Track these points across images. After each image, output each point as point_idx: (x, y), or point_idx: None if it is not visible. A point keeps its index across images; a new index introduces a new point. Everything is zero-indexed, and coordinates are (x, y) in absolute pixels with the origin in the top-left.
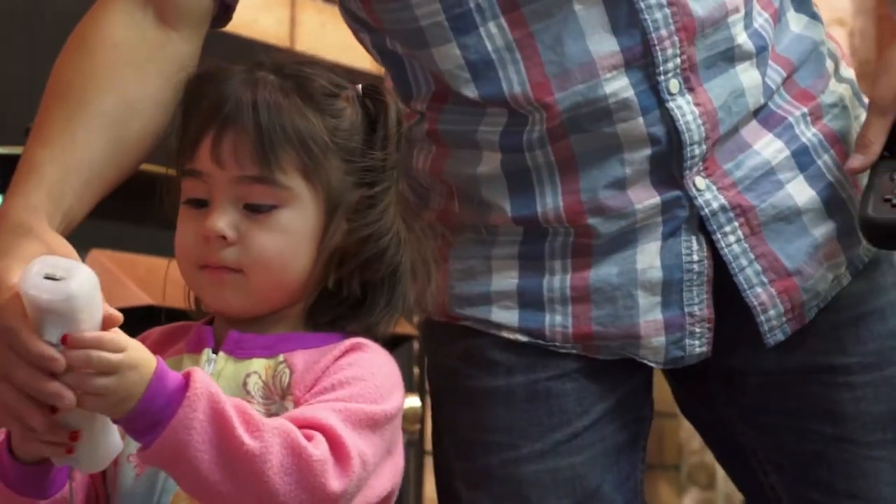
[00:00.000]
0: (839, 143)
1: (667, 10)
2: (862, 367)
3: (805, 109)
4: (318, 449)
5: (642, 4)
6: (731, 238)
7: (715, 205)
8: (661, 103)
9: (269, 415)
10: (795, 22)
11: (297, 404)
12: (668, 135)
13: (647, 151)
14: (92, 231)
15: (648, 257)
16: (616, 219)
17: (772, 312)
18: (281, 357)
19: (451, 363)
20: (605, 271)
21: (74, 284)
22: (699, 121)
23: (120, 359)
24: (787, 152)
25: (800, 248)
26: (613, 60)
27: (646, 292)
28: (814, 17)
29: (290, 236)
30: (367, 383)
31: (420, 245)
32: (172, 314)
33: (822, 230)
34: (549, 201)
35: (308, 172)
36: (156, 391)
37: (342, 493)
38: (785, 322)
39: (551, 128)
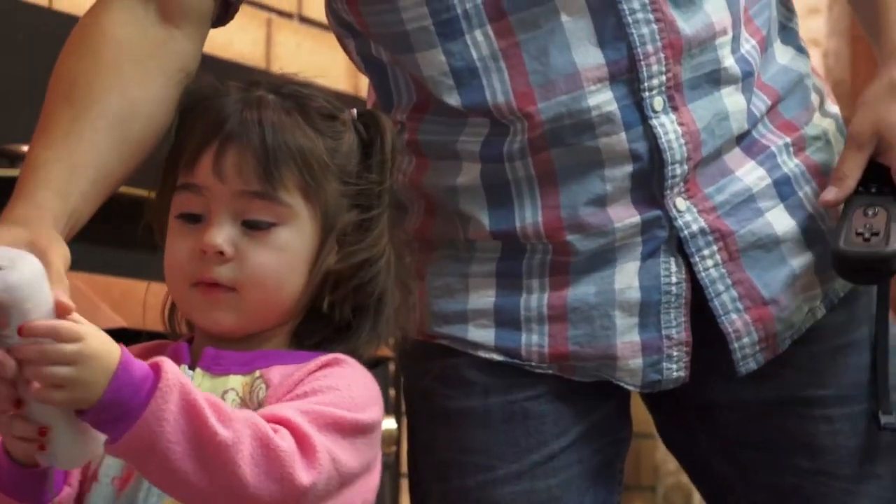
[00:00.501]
0: (821, 175)
1: (654, 27)
2: (839, 400)
3: (788, 140)
4: (285, 441)
5: (630, 18)
6: (709, 262)
7: (695, 227)
8: (645, 119)
9: None
10: (782, 53)
11: None
12: (650, 152)
13: (629, 168)
14: None
15: (627, 277)
16: (595, 236)
17: (745, 340)
18: (257, 373)
19: (427, 383)
20: (582, 290)
21: (14, 275)
22: (681, 140)
23: (77, 349)
24: (768, 180)
25: (777, 277)
26: (598, 73)
27: (623, 313)
28: (800, 50)
29: (287, 255)
30: (340, 393)
31: (399, 263)
32: (151, 338)
33: (800, 261)
34: (529, 215)
35: (308, 191)
36: (123, 381)
37: (311, 485)
38: (758, 351)
39: (532, 138)
